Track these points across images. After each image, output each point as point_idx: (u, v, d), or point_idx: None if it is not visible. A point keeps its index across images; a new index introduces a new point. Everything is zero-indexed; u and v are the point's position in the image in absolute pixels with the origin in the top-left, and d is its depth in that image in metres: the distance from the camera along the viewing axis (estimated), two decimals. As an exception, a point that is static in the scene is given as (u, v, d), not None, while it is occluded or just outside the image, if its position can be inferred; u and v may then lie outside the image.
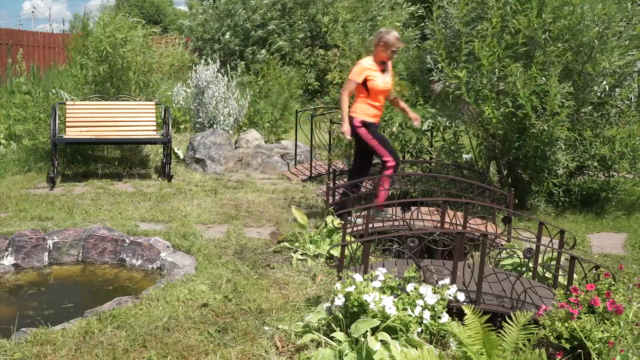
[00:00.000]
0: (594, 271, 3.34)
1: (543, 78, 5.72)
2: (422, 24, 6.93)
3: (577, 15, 5.68)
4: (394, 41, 5.20)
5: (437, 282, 3.47)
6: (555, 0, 5.66)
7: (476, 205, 5.47)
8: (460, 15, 5.98)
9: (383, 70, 5.36)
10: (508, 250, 4.24)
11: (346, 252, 3.79)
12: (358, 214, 5.21)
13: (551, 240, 4.04)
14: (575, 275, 3.67)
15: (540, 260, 4.14)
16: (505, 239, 4.65)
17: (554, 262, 4.13)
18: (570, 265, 3.47)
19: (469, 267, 3.88)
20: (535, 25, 5.66)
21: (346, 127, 5.34)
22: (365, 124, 5.35)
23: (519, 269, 4.13)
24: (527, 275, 4.04)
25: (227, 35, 16.12)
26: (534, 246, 4.09)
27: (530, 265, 4.01)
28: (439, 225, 4.78)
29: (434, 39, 6.43)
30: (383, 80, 5.34)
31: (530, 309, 3.38)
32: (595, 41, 5.71)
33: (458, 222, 4.82)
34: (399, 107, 5.84)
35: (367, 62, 5.36)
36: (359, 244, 3.80)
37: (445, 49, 6.15)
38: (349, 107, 5.39)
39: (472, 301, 3.45)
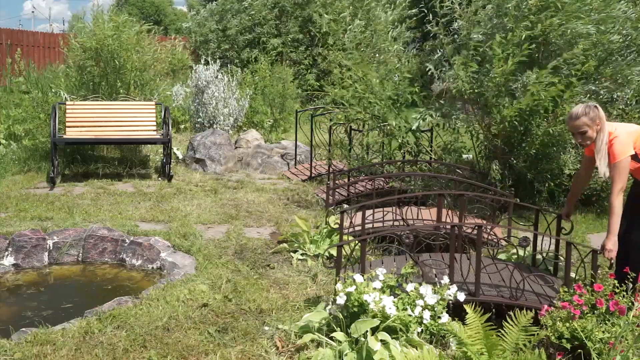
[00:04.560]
0: (599, 271, 3.34)
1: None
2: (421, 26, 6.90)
3: (595, 20, 5.69)
4: (568, 120, 3.81)
5: (435, 277, 3.47)
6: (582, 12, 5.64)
7: (475, 204, 5.46)
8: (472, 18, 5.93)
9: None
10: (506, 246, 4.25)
11: (346, 251, 3.78)
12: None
13: (548, 227, 4.05)
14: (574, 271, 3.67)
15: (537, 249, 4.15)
16: (504, 236, 4.66)
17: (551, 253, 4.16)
18: (567, 252, 3.45)
19: (468, 259, 3.90)
20: (560, 31, 5.63)
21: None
22: None
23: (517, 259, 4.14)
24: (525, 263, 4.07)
25: (218, 39, 16.19)
26: (531, 236, 4.07)
27: (528, 253, 4.01)
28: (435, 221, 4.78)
29: (438, 41, 6.38)
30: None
31: (529, 296, 3.39)
32: (614, 48, 5.71)
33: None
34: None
35: None
36: (357, 243, 3.80)
37: (453, 51, 6.13)
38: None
39: (470, 293, 3.45)
